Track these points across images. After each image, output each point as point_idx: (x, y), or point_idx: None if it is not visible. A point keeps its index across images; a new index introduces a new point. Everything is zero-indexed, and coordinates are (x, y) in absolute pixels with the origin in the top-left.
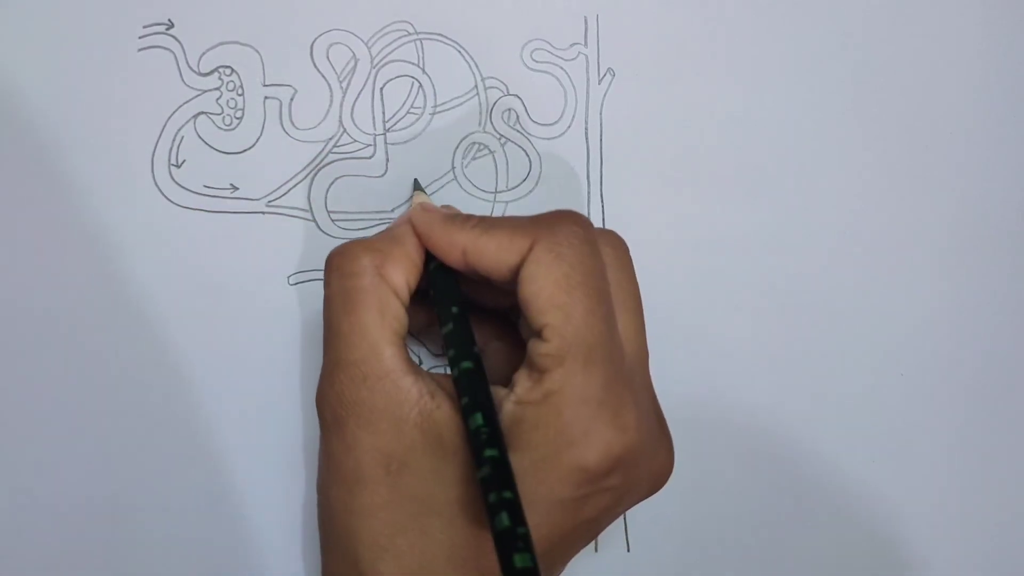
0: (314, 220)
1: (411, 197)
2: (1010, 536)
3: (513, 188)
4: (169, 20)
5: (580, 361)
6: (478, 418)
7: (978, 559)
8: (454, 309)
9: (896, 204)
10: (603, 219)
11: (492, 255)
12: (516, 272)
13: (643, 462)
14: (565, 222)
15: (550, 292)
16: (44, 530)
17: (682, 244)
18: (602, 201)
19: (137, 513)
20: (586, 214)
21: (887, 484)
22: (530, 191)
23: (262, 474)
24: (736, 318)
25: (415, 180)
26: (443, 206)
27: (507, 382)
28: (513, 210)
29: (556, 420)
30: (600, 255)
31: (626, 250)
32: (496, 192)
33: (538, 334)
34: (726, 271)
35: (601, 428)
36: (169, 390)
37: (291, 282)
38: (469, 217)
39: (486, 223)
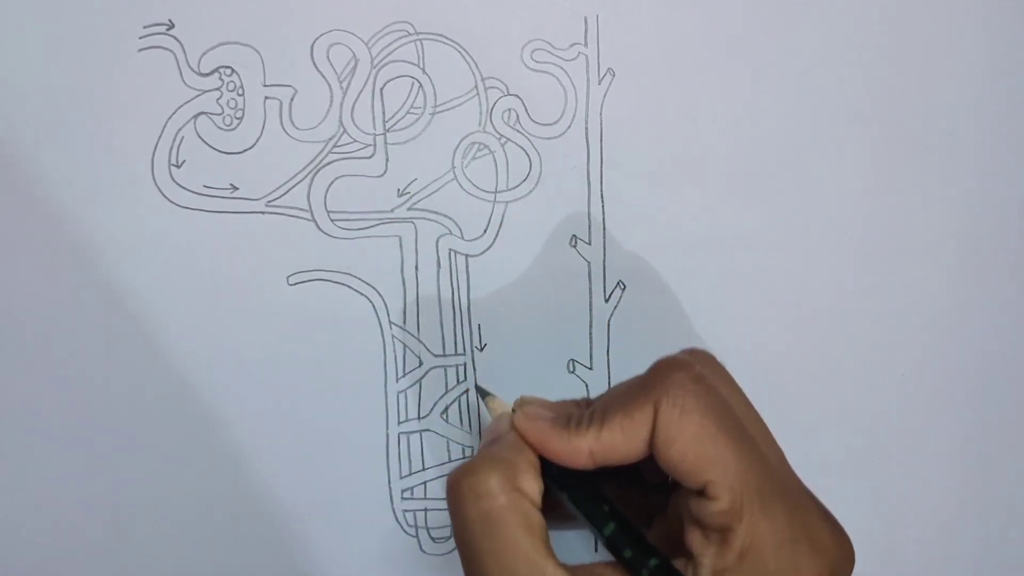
0: (314, 220)
1: (482, 400)
2: (1010, 536)
3: (513, 188)
4: (169, 20)
5: (757, 506)
6: None
7: (978, 559)
8: (605, 508)
9: (896, 204)
10: (603, 219)
11: (622, 445)
12: (648, 444)
13: (840, 563)
14: (670, 372)
15: (696, 449)
16: (44, 530)
17: (682, 244)
18: (602, 201)
19: (136, 513)
20: (586, 214)
21: (887, 484)
22: (530, 191)
23: (261, 474)
24: (735, 318)
25: (478, 387)
26: (522, 399)
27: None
28: (513, 210)
29: (764, 574)
30: (714, 387)
31: (719, 363)
32: (496, 192)
33: (700, 493)
34: (726, 271)
35: (806, 561)
36: (169, 390)
37: (291, 282)
38: (579, 416)
39: (598, 415)
